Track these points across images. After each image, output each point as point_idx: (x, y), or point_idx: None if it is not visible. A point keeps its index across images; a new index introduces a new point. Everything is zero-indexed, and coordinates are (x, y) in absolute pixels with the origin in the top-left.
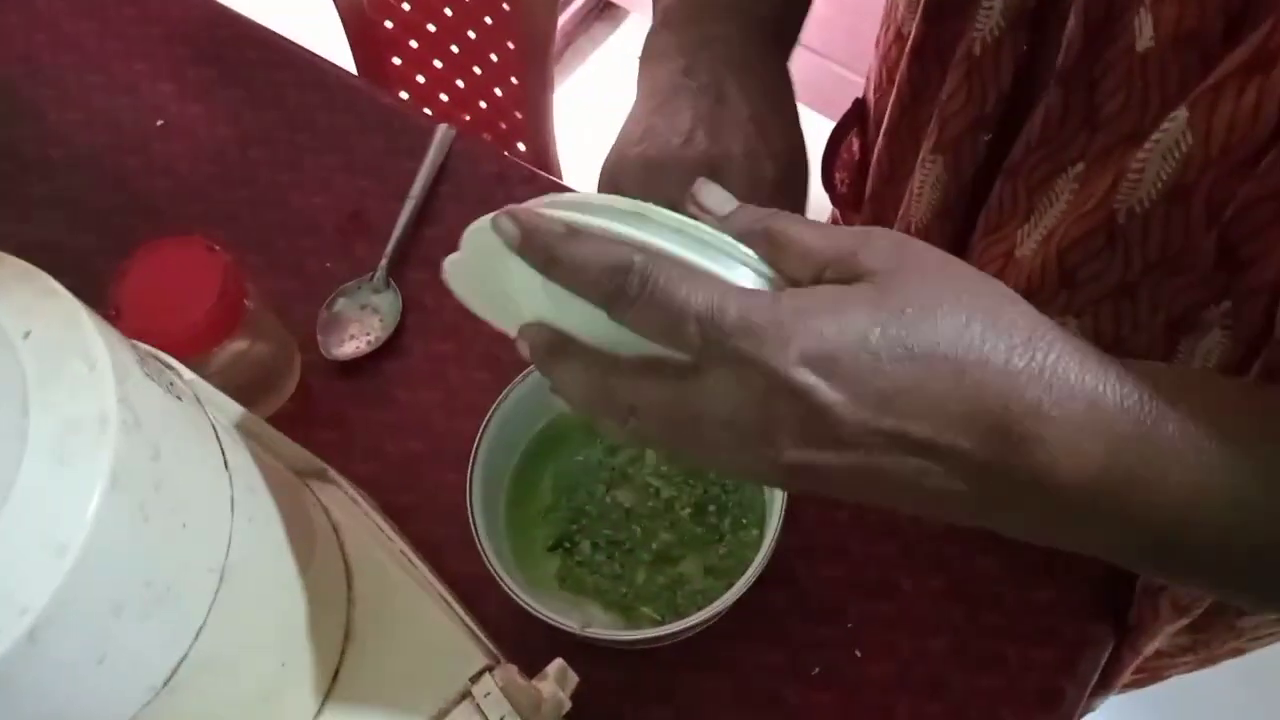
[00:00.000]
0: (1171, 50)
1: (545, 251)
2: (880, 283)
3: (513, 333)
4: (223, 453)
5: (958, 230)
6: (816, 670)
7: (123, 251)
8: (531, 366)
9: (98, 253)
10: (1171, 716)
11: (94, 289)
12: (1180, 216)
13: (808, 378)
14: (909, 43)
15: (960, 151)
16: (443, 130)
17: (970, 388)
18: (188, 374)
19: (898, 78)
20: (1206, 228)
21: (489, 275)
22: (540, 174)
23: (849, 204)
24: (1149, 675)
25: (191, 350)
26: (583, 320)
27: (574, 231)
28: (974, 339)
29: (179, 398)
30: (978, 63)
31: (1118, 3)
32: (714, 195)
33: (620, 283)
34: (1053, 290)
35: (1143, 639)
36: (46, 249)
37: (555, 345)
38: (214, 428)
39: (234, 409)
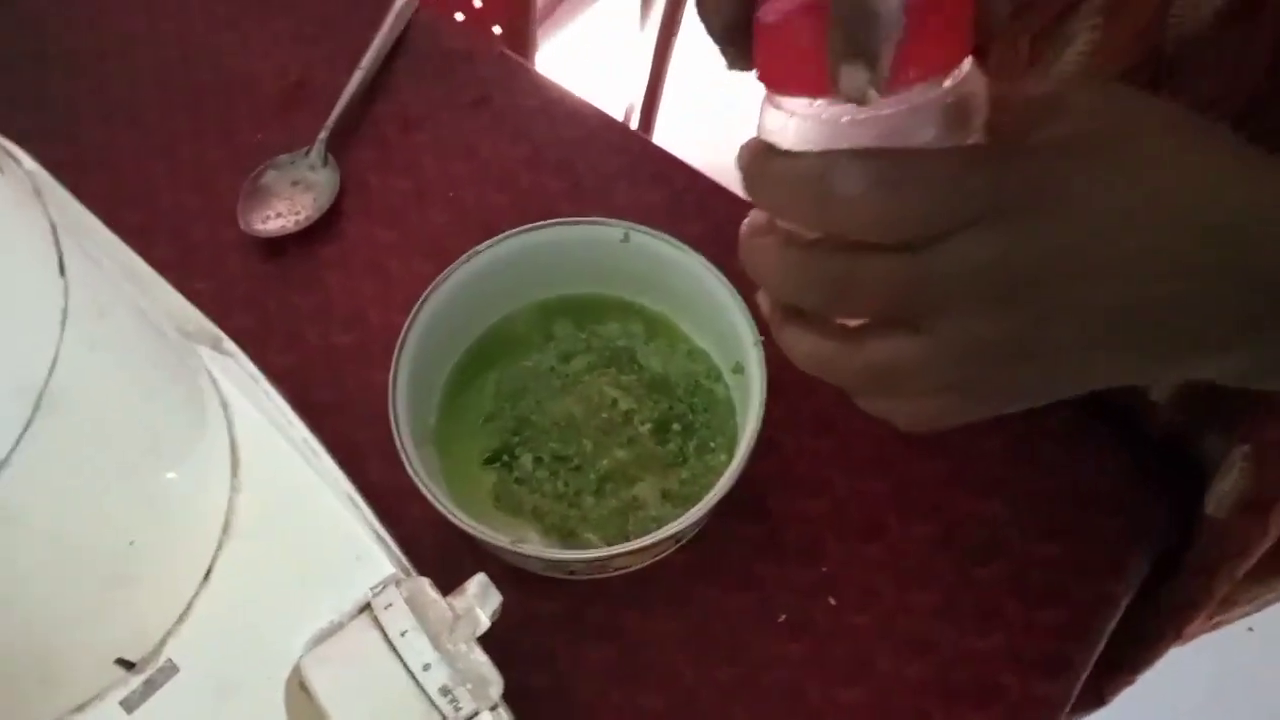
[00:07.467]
0: None
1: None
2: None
3: None
4: (60, 255)
5: None
6: (783, 617)
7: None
8: (475, 248)
9: None
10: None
11: None
12: None
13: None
14: None
15: None
16: None
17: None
18: (30, 163)
19: None
20: None
21: None
22: (513, 56)
23: None
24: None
25: None
26: None
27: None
28: None
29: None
30: None
31: None
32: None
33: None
34: None
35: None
36: None
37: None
38: (52, 226)
39: (99, 230)
